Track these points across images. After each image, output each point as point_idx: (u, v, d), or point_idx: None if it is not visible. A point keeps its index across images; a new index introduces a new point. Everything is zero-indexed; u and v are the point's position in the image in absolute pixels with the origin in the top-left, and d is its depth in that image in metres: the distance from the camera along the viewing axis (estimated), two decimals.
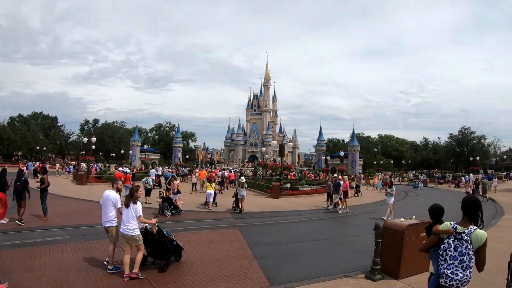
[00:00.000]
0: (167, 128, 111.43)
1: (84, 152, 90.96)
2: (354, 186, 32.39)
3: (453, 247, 4.11)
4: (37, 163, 47.78)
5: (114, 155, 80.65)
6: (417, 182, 44.12)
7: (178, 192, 17.85)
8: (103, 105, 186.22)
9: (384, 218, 15.80)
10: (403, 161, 78.86)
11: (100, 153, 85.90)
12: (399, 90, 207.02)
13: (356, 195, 30.78)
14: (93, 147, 59.11)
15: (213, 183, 20.54)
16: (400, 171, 76.78)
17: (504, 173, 60.06)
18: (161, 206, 16.64)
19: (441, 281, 4.13)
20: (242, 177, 20.88)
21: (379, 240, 7.11)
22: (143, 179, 22.65)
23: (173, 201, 16.93)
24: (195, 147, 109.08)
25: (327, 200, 21.98)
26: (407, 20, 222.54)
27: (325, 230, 14.70)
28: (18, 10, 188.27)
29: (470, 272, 4.04)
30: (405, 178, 58.54)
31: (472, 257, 4.05)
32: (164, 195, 17.25)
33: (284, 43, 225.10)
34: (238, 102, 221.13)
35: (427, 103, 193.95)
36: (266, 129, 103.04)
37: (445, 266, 4.10)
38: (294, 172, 44.67)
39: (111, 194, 7.96)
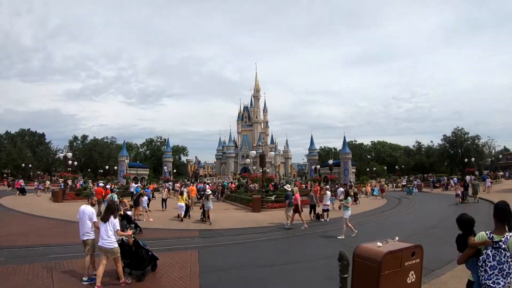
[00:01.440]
0: (158, 143, 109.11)
1: (70, 169, 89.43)
2: (352, 194, 31.44)
3: (491, 257, 4.11)
4: (18, 181, 46.05)
5: (102, 171, 78.23)
6: (411, 188, 42.15)
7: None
8: (96, 121, 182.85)
9: (343, 236, 13.68)
10: (396, 167, 76.85)
11: (89, 169, 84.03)
12: (390, 96, 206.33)
13: (355, 203, 29.79)
14: (75, 163, 57.19)
15: (184, 196, 20.82)
16: (394, 176, 74.98)
17: (501, 173, 58.30)
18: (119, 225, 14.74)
19: None
20: (208, 190, 21.21)
21: (345, 275, 5.10)
22: (108, 196, 20.89)
23: (133, 219, 15.51)
24: (187, 161, 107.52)
25: (310, 212, 20.03)
26: (397, 26, 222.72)
27: (299, 250, 12.46)
28: (10, 26, 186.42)
29: (511, 278, 4.08)
30: (399, 184, 56.53)
31: (511, 265, 4.07)
32: (122, 212, 15.38)
33: (275, 54, 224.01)
34: (231, 114, 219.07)
35: (419, 107, 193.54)
36: (257, 140, 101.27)
37: (486, 277, 4.14)
38: (275, 183, 42.59)
39: (87, 208, 8.28)
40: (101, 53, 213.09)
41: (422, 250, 5.28)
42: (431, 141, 74.45)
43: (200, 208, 19.92)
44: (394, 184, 59.87)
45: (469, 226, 4.73)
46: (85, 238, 8.10)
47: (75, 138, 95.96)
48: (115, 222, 7.82)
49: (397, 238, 5.68)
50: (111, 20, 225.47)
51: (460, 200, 27.15)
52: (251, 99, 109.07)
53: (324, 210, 19.32)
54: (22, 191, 38.58)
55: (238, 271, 9.15)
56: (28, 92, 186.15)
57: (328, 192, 20.05)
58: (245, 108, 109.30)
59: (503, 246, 4.06)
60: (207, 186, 34.30)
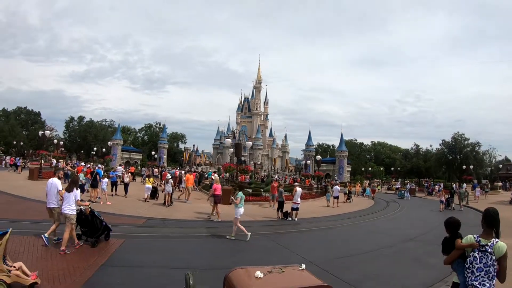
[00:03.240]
0: (157, 129, 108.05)
1: (63, 148, 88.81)
2: (347, 192, 33.04)
3: (478, 259, 4.23)
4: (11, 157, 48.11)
5: (94, 153, 77.33)
6: (403, 192, 40.21)
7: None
8: (99, 104, 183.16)
9: (232, 236, 11.92)
10: (391, 169, 74.64)
11: (82, 151, 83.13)
12: (395, 99, 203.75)
13: (348, 201, 31.45)
14: (61, 143, 55.65)
15: (152, 178, 22.76)
16: (391, 179, 73.05)
17: (500, 184, 56.11)
18: None
19: None
20: (168, 175, 22.09)
21: None
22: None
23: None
24: (185, 149, 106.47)
25: (278, 210, 18.18)
26: (404, 30, 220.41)
27: (231, 252, 10.50)
28: (17, 6, 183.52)
29: (494, 281, 4.20)
30: (393, 187, 54.42)
31: (496, 267, 4.18)
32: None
33: (281, 49, 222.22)
34: (232, 106, 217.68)
35: (423, 112, 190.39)
36: (255, 132, 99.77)
37: (473, 278, 4.24)
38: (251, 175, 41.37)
39: (54, 181, 9.54)
40: (107, 37, 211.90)
41: None
42: (431, 145, 72.15)
43: (162, 191, 20.57)
44: (388, 187, 57.84)
45: (455, 229, 4.85)
46: (51, 206, 9.34)
47: (72, 119, 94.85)
48: (76, 193, 9.13)
49: (304, 266, 4.11)
50: (117, 5, 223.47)
51: (444, 207, 26.41)
52: (253, 91, 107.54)
53: (293, 209, 17.58)
54: (16, 166, 40.45)
55: (140, 271, 7.83)
56: (32, 72, 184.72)
57: (299, 189, 18.32)
58: (246, 99, 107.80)
59: (489, 250, 4.18)
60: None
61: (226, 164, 39.25)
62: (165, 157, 79.63)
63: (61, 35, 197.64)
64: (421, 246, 12.60)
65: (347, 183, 43.35)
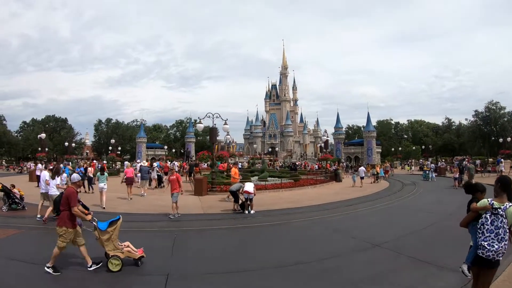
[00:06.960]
0: (188, 124, 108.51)
1: (88, 151, 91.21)
2: (375, 173, 33.38)
3: (489, 221, 4.42)
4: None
5: (119, 152, 78.64)
6: (427, 172, 36.23)
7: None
8: (138, 106, 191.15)
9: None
10: (422, 147, 68.84)
11: (109, 151, 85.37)
12: (433, 75, 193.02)
13: (377, 181, 32.14)
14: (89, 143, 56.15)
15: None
16: (423, 158, 68.06)
17: None
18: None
19: (479, 252, 4.45)
20: (155, 164, 25.98)
21: None
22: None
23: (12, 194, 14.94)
24: (218, 142, 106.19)
25: (234, 201, 15.63)
26: (437, 2, 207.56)
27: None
28: (48, 21, 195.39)
29: (505, 244, 4.36)
30: (425, 167, 49.36)
31: (507, 230, 4.37)
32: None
33: (313, 34, 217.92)
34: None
35: (463, 86, 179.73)
36: (285, 119, 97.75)
37: (482, 238, 4.42)
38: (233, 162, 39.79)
39: (44, 172, 13.50)
40: (138, 40, 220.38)
41: None
42: (466, 119, 65.32)
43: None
44: (420, 166, 52.96)
45: (470, 191, 5.31)
46: (42, 191, 12.85)
47: (100, 121, 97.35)
48: (57, 179, 12.75)
49: None
50: (144, 9, 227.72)
51: (458, 184, 25.15)
52: (280, 77, 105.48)
53: (246, 199, 14.75)
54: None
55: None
56: (69, 82, 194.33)
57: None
58: (273, 86, 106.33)
59: (501, 212, 4.38)
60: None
61: (200, 153, 37.62)
62: (193, 151, 79.67)
63: (93, 44, 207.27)
64: (377, 260, 8.03)
65: (367, 165, 40.28)
